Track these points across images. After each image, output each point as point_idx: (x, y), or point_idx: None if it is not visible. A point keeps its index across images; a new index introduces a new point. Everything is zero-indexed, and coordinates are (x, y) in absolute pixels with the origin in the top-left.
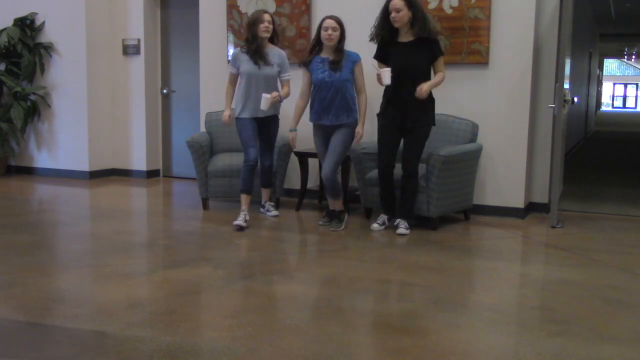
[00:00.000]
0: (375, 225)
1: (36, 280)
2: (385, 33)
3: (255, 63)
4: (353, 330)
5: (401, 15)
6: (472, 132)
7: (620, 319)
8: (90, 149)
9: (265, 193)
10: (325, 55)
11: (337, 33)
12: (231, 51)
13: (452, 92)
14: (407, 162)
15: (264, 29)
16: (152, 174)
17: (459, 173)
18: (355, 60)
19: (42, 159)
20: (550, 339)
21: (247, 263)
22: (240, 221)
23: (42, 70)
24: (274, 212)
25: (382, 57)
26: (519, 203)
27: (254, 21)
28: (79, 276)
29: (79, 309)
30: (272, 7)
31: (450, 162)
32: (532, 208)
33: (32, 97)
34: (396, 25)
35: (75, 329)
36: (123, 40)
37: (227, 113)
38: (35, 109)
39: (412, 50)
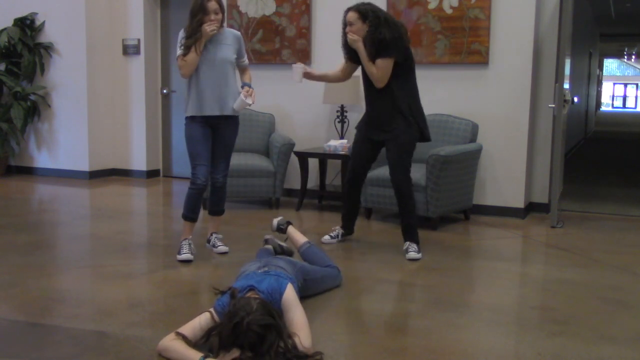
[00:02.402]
0: (326, 238)
1: (36, 280)
2: (351, 52)
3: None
4: (353, 330)
5: (355, 29)
6: (472, 132)
7: (620, 319)
8: (90, 149)
9: (213, 222)
10: None
11: None
12: None
13: (452, 92)
14: (390, 172)
15: (209, 22)
16: (152, 174)
17: (459, 173)
18: None
19: (42, 159)
20: (550, 339)
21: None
22: (186, 254)
23: (42, 70)
24: (223, 248)
25: (351, 57)
26: (519, 203)
27: (197, 11)
28: (79, 276)
29: (79, 309)
30: (272, 7)
31: (450, 162)
32: (532, 208)
33: (32, 97)
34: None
35: (75, 329)
36: (123, 40)
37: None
38: (35, 109)
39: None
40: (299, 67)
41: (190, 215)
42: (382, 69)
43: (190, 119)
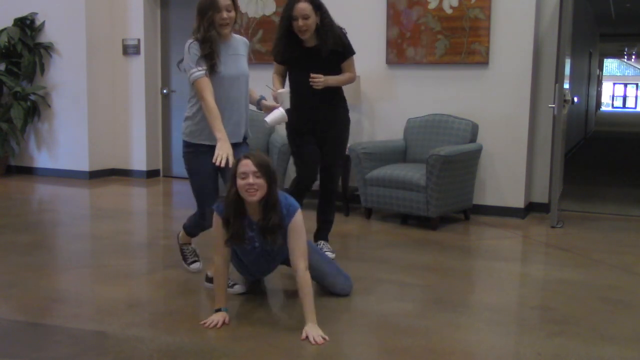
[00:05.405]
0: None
1: (36, 280)
2: (290, 54)
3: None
4: (353, 330)
5: (310, 22)
6: (472, 132)
7: (620, 319)
8: (90, 149)
9: None
10: None
11: None
12: None
13: (452, 92)
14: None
15: (221, 21)
16: (152, 174)
17: (459, 173)
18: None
19: (42, 159)
20: (550, 339)
21: None
22: (195, 263)
23: (42, 70)
24: (239, 288)
25: (287, 60)
26: (519, 203)
27: (206, 8)
28: (79, 276)
29: (79, 309)
30: (272, 7)
31: (450, 162)
32: (532, 208)
33: (32, 97)
34: (305, 36)
35: (75, 329)
36: (123, 40)
37: (223, 138)
38: (35, 109)
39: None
40: (285, 93)
41: (192, 234)
42: (354, 69)
43: (195, 147)
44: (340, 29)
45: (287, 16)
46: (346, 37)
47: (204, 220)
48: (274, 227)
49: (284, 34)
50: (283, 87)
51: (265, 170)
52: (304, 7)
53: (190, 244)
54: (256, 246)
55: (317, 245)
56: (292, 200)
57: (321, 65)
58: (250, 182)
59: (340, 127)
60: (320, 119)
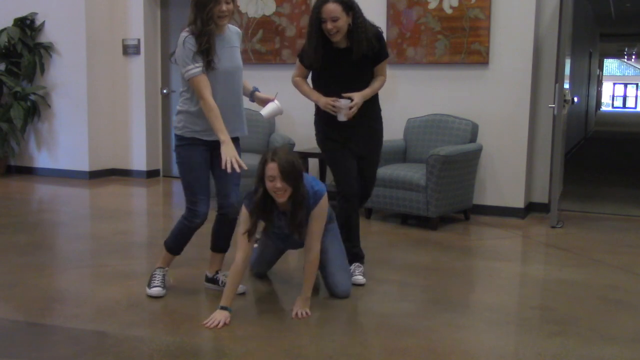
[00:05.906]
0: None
1: (36, 280)
2: (317, 60)
3: (209, 58)
4: (353, 330)
5: (341, 24)
6: (472, 132)
7: (620, 319)
8: (90, 149)
9: (218, 259)
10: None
11: None
12: None
13: (452, 92)
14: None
15: (220, 14)
16: (152, 174)
17: (459, 173)
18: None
19: (42, 159)
20: (550, 339)
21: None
22: (157, 288)
23: (42, 70)
24: (240, 288)
25: (314, 64)
26: (519, 203)
27: (206, 0)
28: (79, 276)
29: (79, 309)
30: (272, 7)
31: (450, 162)
32: (532, 208)
33: (32, 97)
34: (335, 39)
35: (75, 329)
36: (123, 40)
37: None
38: (35, 109)
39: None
40: (346, 105)
41: (176, 250)
42: (386, 72)
43: (190, 140)
44: (376, 28)
45: (316, 18)
46: (382, 38)
47: (195, 217)
48: (302, 222)
49: (315, 38)
50: None
51: (292, 173)
52: (332, 8)
53: (166, 268)
54: (286, 233)
55: (351, 268)
56: (318, 186)
57: (353, 68)
58: (278, 186)
59: (378, 135)
60: (356, 129)
